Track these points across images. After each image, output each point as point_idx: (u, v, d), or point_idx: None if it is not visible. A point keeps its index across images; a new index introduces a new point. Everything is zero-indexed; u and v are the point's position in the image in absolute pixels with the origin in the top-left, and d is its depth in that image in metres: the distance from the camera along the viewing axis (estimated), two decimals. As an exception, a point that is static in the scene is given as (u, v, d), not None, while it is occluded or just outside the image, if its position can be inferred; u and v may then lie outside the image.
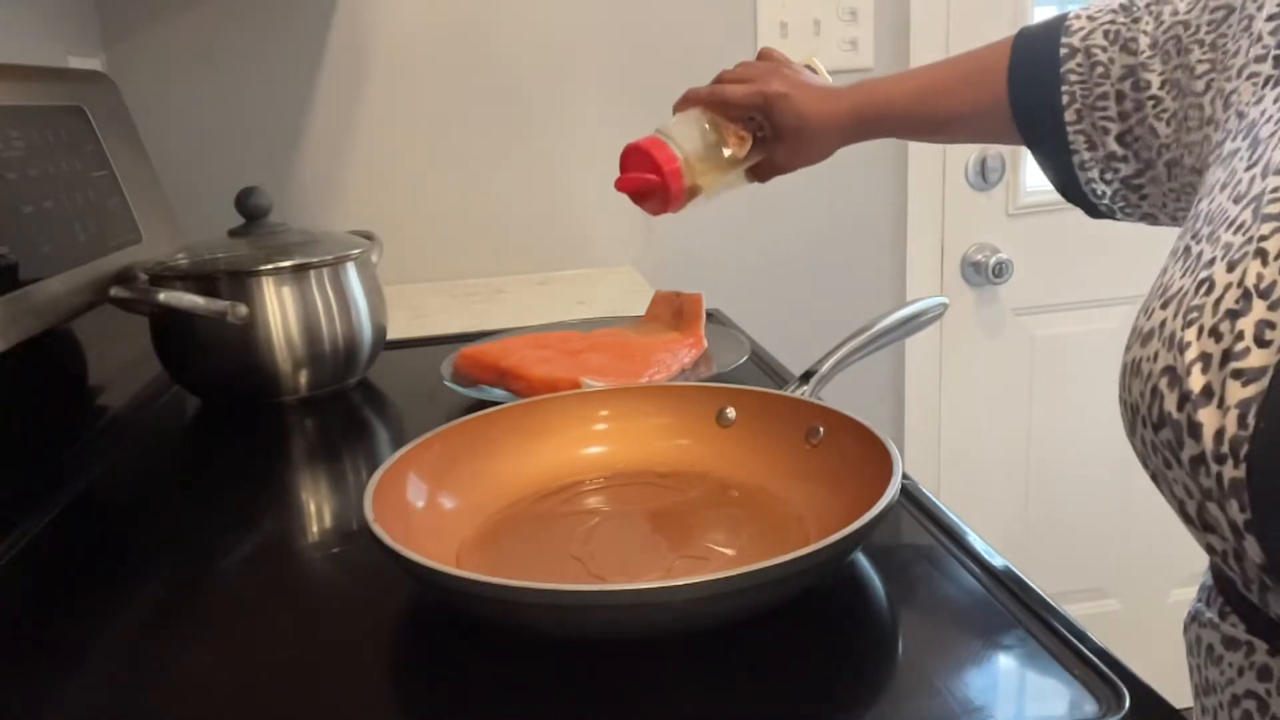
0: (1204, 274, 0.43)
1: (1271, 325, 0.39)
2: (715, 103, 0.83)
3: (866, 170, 1.53)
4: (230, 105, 1.37)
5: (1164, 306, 0.45)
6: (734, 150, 0.83)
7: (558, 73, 1.44)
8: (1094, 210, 0.71)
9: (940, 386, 1.64)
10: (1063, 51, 0.67)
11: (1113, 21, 0.65)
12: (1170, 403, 0.42)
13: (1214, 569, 0.51)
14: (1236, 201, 0.45)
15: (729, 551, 0.56)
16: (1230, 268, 0.42)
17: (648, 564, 0.55)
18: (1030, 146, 0.71)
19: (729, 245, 1.52)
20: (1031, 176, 1.59)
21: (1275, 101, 0.48)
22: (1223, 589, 0.49)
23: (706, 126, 0.84)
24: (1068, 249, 1.58)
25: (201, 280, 0.85)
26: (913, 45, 1.49)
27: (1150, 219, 0.68)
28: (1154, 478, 0.46)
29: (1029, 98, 0.69)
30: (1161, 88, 0.61)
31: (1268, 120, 0.47)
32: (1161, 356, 0.43)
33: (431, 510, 0.58)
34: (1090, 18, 0.67)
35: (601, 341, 0.88)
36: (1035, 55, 0.69)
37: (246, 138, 1.38)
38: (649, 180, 0.82)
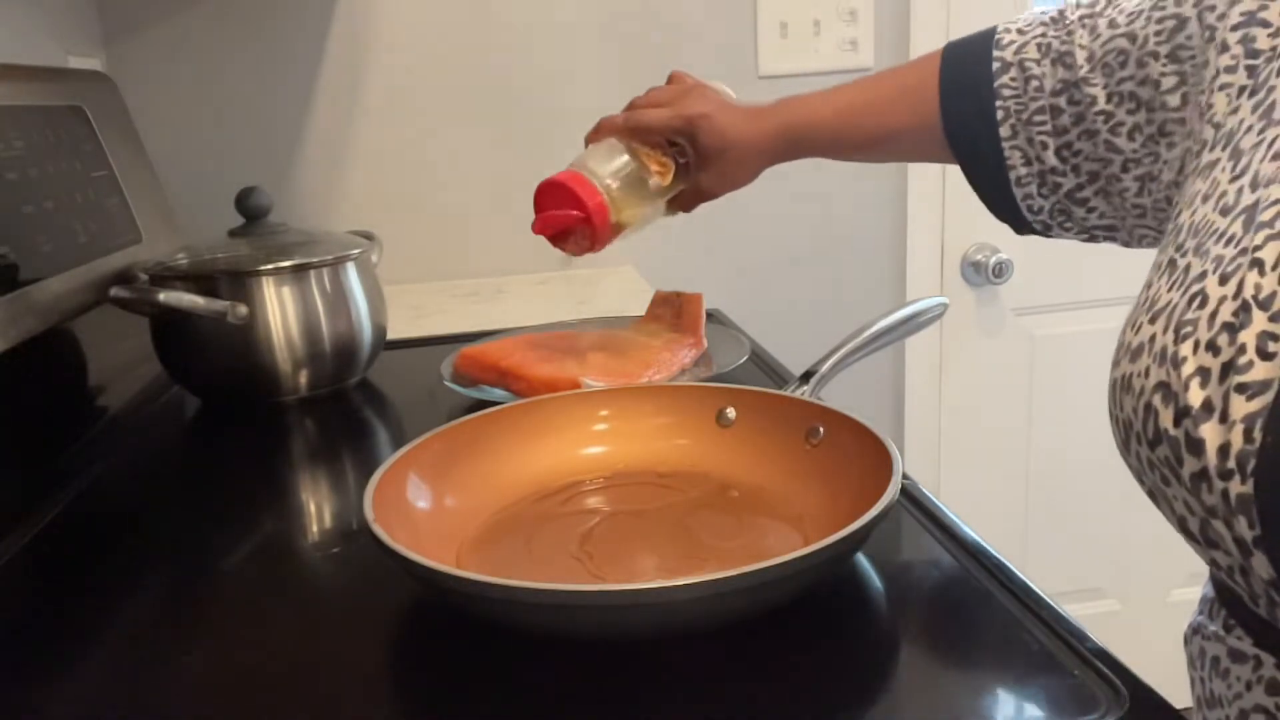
0: (1195, 288, 0.43)
1: (1274, 337, 0.39)
2: (634, 130, 0.79)
3: (866, 170, 1.53)
4: (230, 105, 1.37)
5: (1152, 321, 0.44)
6: (657, 179, 0.78)
7: (557, 73, 1.43)
8: (1023, 226, 0.69)
9: (940, 386, 1.64)
10: (995, 66, 0.65)
11: (1044, 35, 0.64)
12: (1166, 419, 0.41)
13: (1217, 582, 0.50)
14: (1224, 214, 0.44)
15: (729, 552, 0.56)
16: (1223, 280, 0.41)
17: (648, 564, 0.55)
18: (963, 162, 0.69)
19: (729, 245, 1.52)
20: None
21: (1254, 110, 0.47)
22: (1226, 602, 0.49)
23: (625, 157, 0.78)
24: (1068, 249, 1.56)
25: (201, 280, 0.85)
26: (913, 45, 1.49)
27: (1094, 234, 0.67)
28: (1151, 494, 0.45)
29: (962, 113, 0.67)
30: (1109, 101, 0.59)
31: (1247, 130, 0.47)
32: (1154, 372, 0.43)
33: (431, 510, 0.58)
34: (1020, 31, 0.65)
35: (601, 341, 0.88)
36: (966, 70, 0.67)
37: (246, 138, 1.38)
38: (572, 218, 0.76)
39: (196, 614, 0.56)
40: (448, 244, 1.47)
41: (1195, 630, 0.52)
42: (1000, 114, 0.65)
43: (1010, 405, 1.66)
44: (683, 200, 0.83)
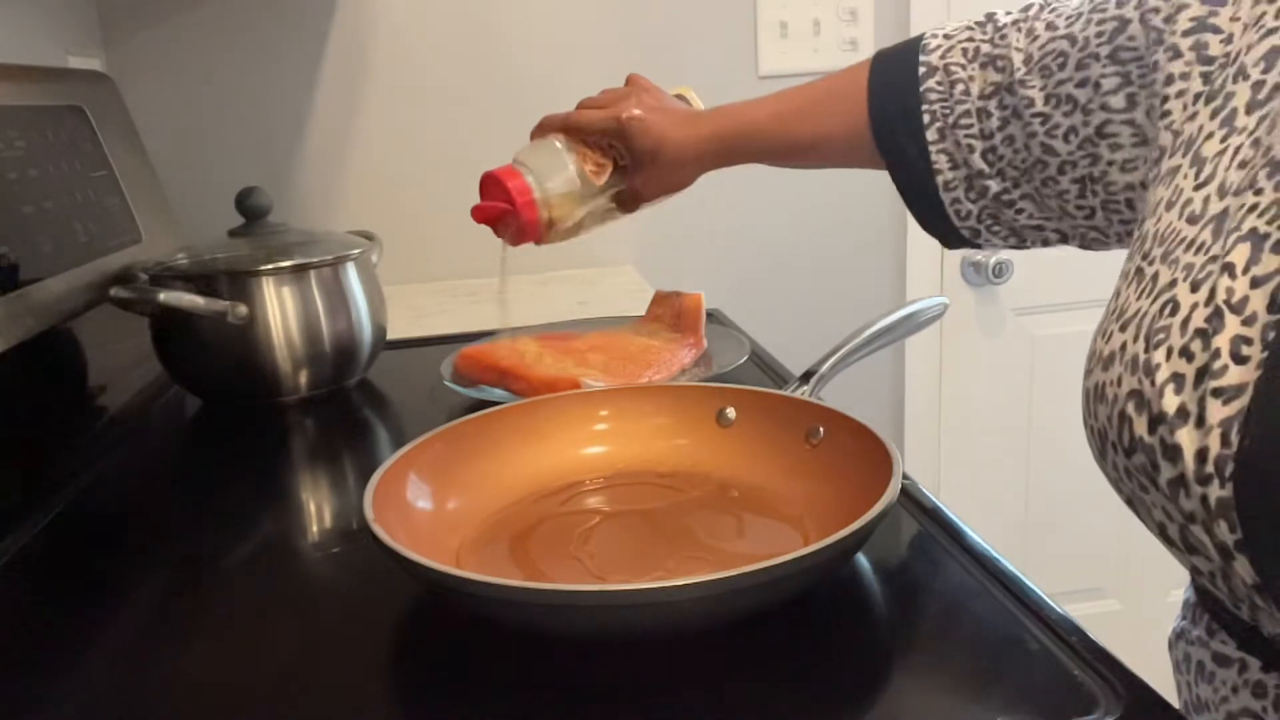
0: (1166, 295, 0.43)
1: (1248, 340, 0.39)
2: (570, 128, 0.81)
3: (866, 170, 1.53)
4: (230, 105, 1.37)
5: (1123, 329, 0.44)
6: (591, 178, 0.80)
7: (558, 72, 1.44)
8: (953, 235, 0.69)
9: (940, 386, 1.64)
10: (921, 70, 0.65)
11: (971, 39, 0.64)
12: (1140, 427, 0.42)
13: (1198, 587, 0.50)
14: (1191, 222, 0.44)
15: (729, 551, 0.56)
16: (1194, 288, 0.41)
17: (648, 564, 0.55)
18: (891, 168, 0.69)
19: (729, 245, 1.52)
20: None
21: (1213, 117, 0.47)
22: (1209, 606, 0.49)
23: (563, 153, 0.80)
24: (1068, 249, 1.58)
25: (201, 280, 0.85)
26: (913, 45, 1.49)
27: (1024, 236, 0.66)
28: (1130, 503, 0.46)
29: (889, 117, 0.67)
30: (1047, 104, 0.59)
31: (1208, 137, 0.46)
32: (1126, 380, 0.43)
33: (431, 510, 0.58)
34: (947, 36, 0.66)
35: (601, 341, 0.88)
36: (893, 75, 0.67)
37: (246, 138, 1.38)
38: (502, 209, 0.79)
39: (196, 614, 0.56)
40: (448, 244, 1.47)
41: (1179, 635, 0.52)
42: (926, 118, 0.65)
43: (1010, 405, 1.66)
44: (622, 200, 0.83)
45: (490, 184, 0.81)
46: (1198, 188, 0.45)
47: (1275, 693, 0.44)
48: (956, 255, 1.59)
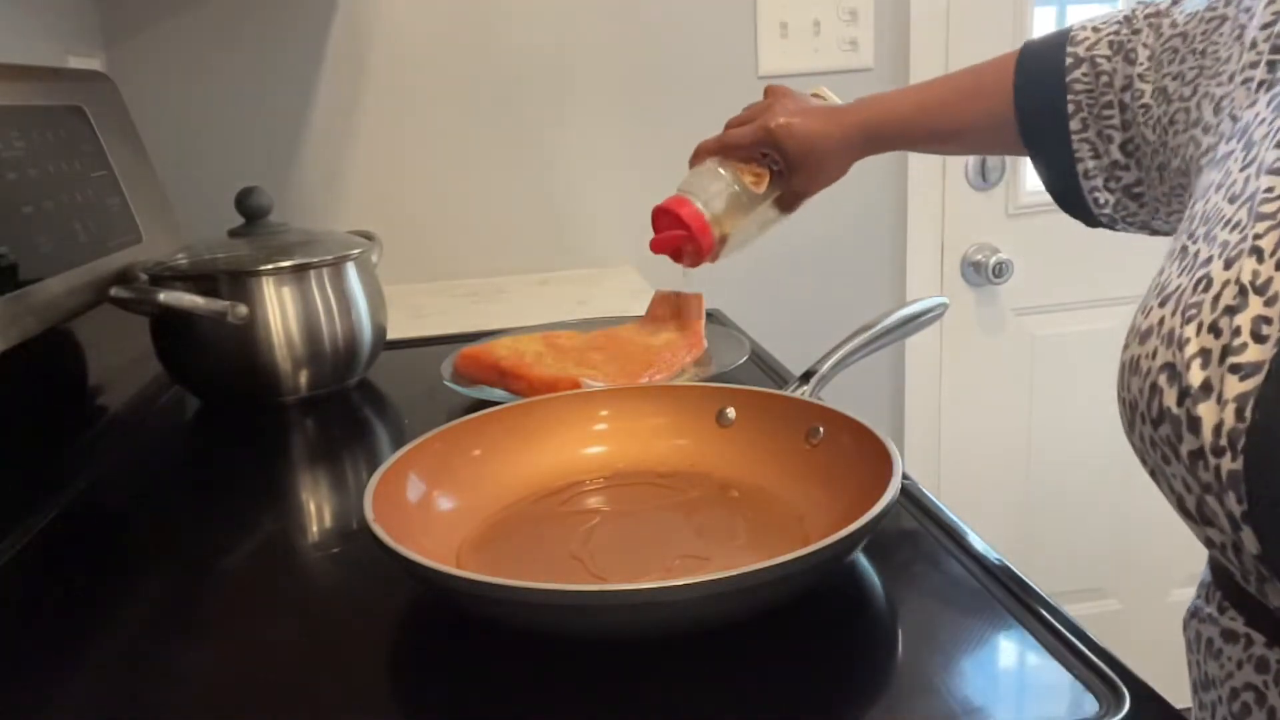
0: (1201, 272, 0.44)
1: (1268, 320, 0.40)
2: (724, 149, 0.86)
3: (866, 170, 1.52)
4: (230, 105, 1.37)
5: (1161, 305, 0.46)
6: (753, 189, 0.85)
7: (558, 72, 1.44)
8: (1092, 219, 0.72)
9: (940, 386, 1.64)
10: (1068, 61, 0.68)
11: (1117, 33, 0.67)
12: (1169, 398, 0.43)
13: (1212, 563, 0.51)
14: (1232, 201, 0.46)
15: (729, 552, 0.56)
16: (1227, 265, 0.43)
17: (648, 564, 0.55)
18: (1033, 156, 0.72)
19: (729, 245, 1.52)
20: (1032, 177, 1.58)
21: (1269, 104, 0.49)
22: (1221, 583, 0.50)
23: (723, 173, 0.85)
24: (1068, 249, 1.58)
25: (201, 280, 0.85)
26: (913, 45, 1.49)
27: (1147, 228, 0.69)
28: (1153, 474, 0.47)
29: (1034, 106, 0.70)
30: (1151, 96, 0.62)
31: (1261, 122, 0.48)
32: (1160, 353, 0.44)
33: (432, 510, 0.58)
34: (1095, 29, 0.68)
35: (601, 341, 0.88)
36: (1041, 65, 0.70)
37: (246, 138, 1.38)
38: (680, 236, 0.85)
39: (196, 614, 0.56)
40: (448, 244, 1.47)
41: (1192, 614, 0.53)
42: (1071, 108, 0.67)
43: (1010, 405, 1.66)
44: (784, 202, 0.88)
45: (661, 216, 0.86)
46: (1243, 169, 0.47)
47: (1277, 668, 0.45)
48: (957, 255, 1.59)
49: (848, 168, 0.84)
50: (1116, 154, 0.66)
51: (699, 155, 0.87)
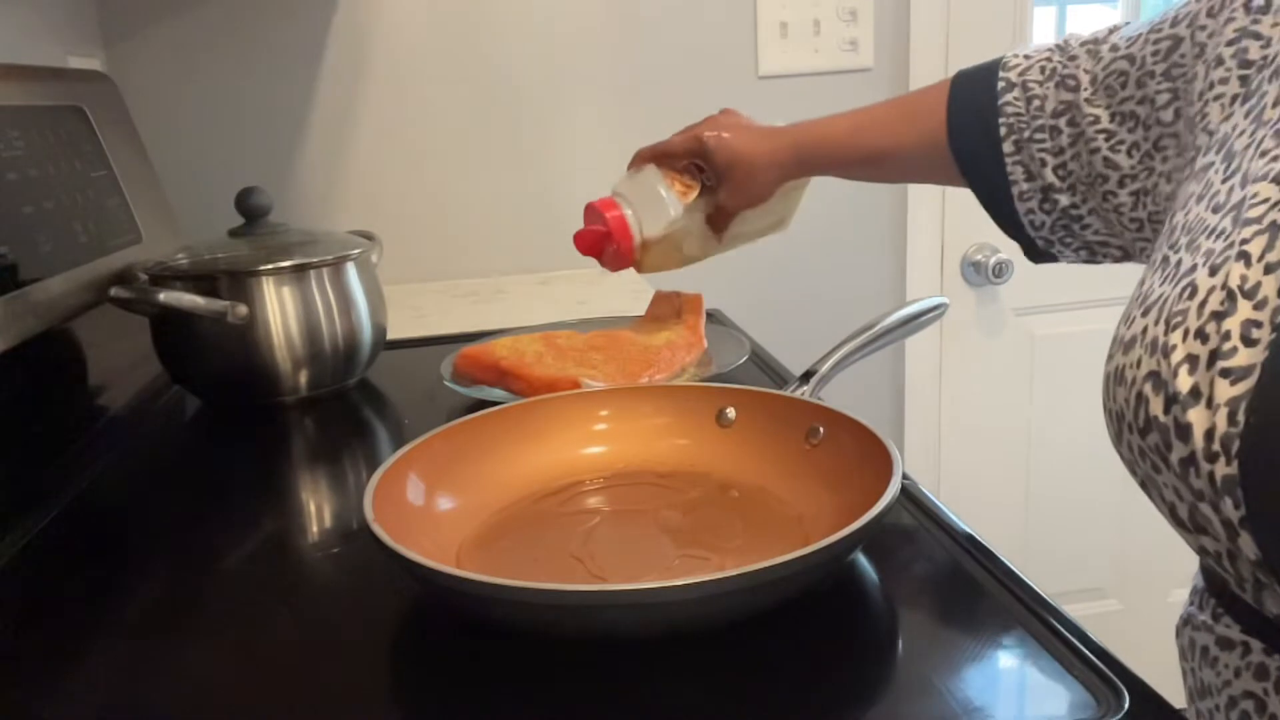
0: (1186, 280, 0.44)
1: (1257, 324, 0.40)
2: (658, 155, 0.86)
3: (866, 170, 1.53)
4: (230, 105, 1.37)
5: (1144, 314, 0.46)
6: (679, 199, 0.85)
7: (557, 72, 1.44)
8: (1033, 250, 0.73)
9: (940, 386, 1.64)
10: (1000, 85, 0.69)
11: (1048, 60, 0.68)
12: (1156, 406, 0.43)
13: (1205, 571, 0.51)
14: (1215, 211, 0.46)
15: (729, 551, 0.56)
16: (1212, 272, 0.43)
17: (648, 564, 0.55)
18: (968, 180, 0.72)
19: (729, 245, 1.52)
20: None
21: (1247, 116, 0.49)
22: (1215, 591, 0.50)
23: (655, 177, 0.85)
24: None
25: (201, 280, 0.85)
26: (913, 45, 1.49)
27: (1089, 251, 0.70)
28: (1143, 484, 0.46)
29: (966, 129, 0.71)
30: (1113, 121, 0.62)
31: (1240, 134, 0.49)
32: (1145, 362, 0.44)
33: (431, 510, 0.58)
34: (1026, 56, 0.69)
35: (601, 341, 0.88)
36: (973, 90, 0.71)
37: (246, 138, 1.38)
38: (600, 233, 0.86)
39: (196, 614, 0.56)
40: (448, 244, 1.47)
41: (1185, 621, 0.53)
42: (1003, 130, 0.68)
43: (1010, 405, 1.66)
44: (715, 222, 0.88)
45: (590, 213, 0.88)
46: (1225, 180, 0.47)
47: (1277, 674, 0.45)
48: (957, 255, 1.59)
49: (774, 186, 0.84)
50: (1050, 177, 0.67)
51: (637, 160, 0.88)
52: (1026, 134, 0.67)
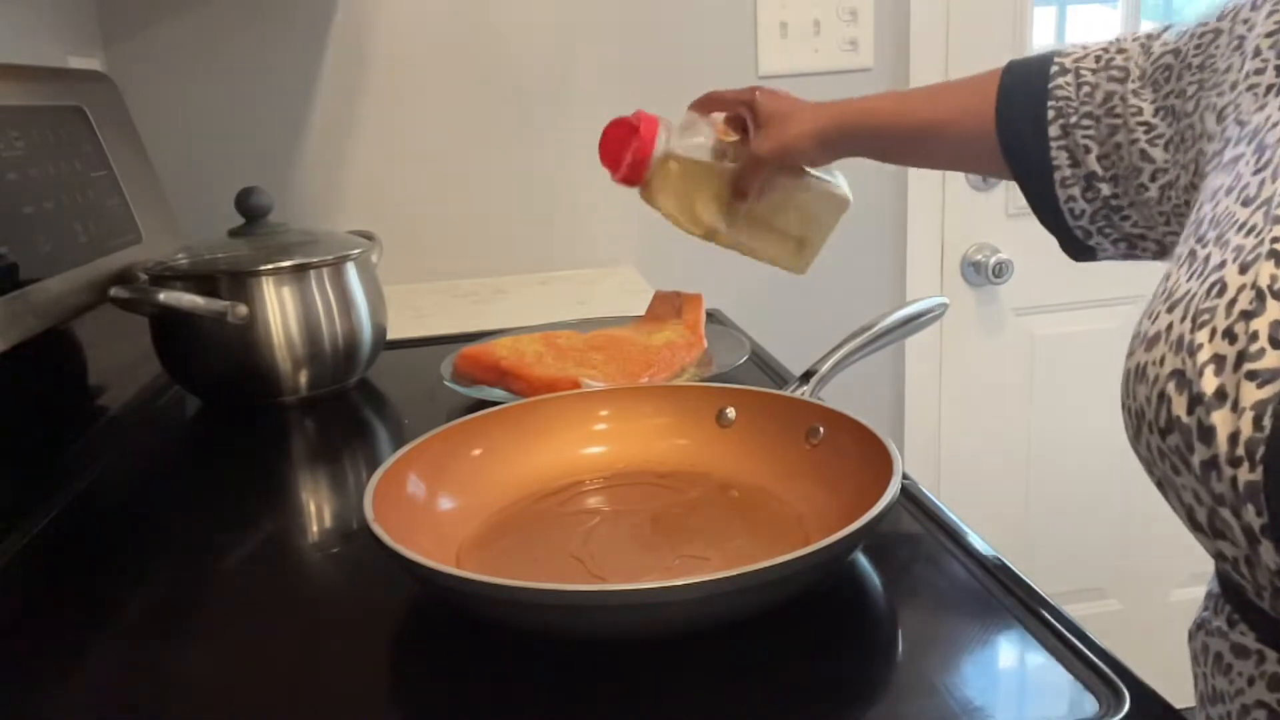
0: (1214, 276, 0.43)
1: None
2: (708, 98, 0.88)
3: (866, 170, 1.52)
4: (230, 105, 1.37)
5: (1170, 310, 0.44)
6: (716, 133, 0.87)
7: (558, 72, 1.43)
8: (1072, 243, 0.72)
9: (940, 386, 1.64)
10: (1053, 69, 0.69)
11: (1104, 51, 0.68)
12: (1179, 406, 0.41)
13: (1221, 576, 0.50)
14: (1245, 204, 0.45)
15: (729, 552, 0.56)
16: (1243, 270, 0.42)
17: (648, 564, 0.55)
18: (1010, 162, 0.71)
19: (729, 245, 1.52)
20: (1031, 176, 1.59)
21: None
22: (1230, 597, 0.49)
23: (698, 116, 0.88)
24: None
25: (201, 280, 0.85)
26: (913, 45, 1.49)
27: (1128, 244, 0.69)
28: (1160, 485, 0.45)
29: (1015, 111, 0.70)
30: (1156, 115, 0.62)
31: (1273, 126, 0.48)
32: (1169, 360, 0.43)
33: (431, 510, 0.58)
34: (1083, 47, 0.70)
35: (601, 341, 0.88)
36: (1026, 73, 0.71)
37: (246, 138, 1.38)
38: (624, 129, 0.86)
39: (196, 614, 0.56)
40: (448, 244, 1.47)
41: (1199, 626, 0.52)
42: (1051, 114, 0.68)
43: (1010, 405, 1.66)
44: (738, 189, 0.88)
45: (616, 125, 0.88)
46: (1256, 172, 0.46)
47: None
48: (957, 255, 1.59)
49: (811, 151, 0.83)
50: (1094, 165, 0.66)
51: (690, 108, 0.91)
52: (1074, 119, 0.67)
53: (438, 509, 0.59)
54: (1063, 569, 1.72)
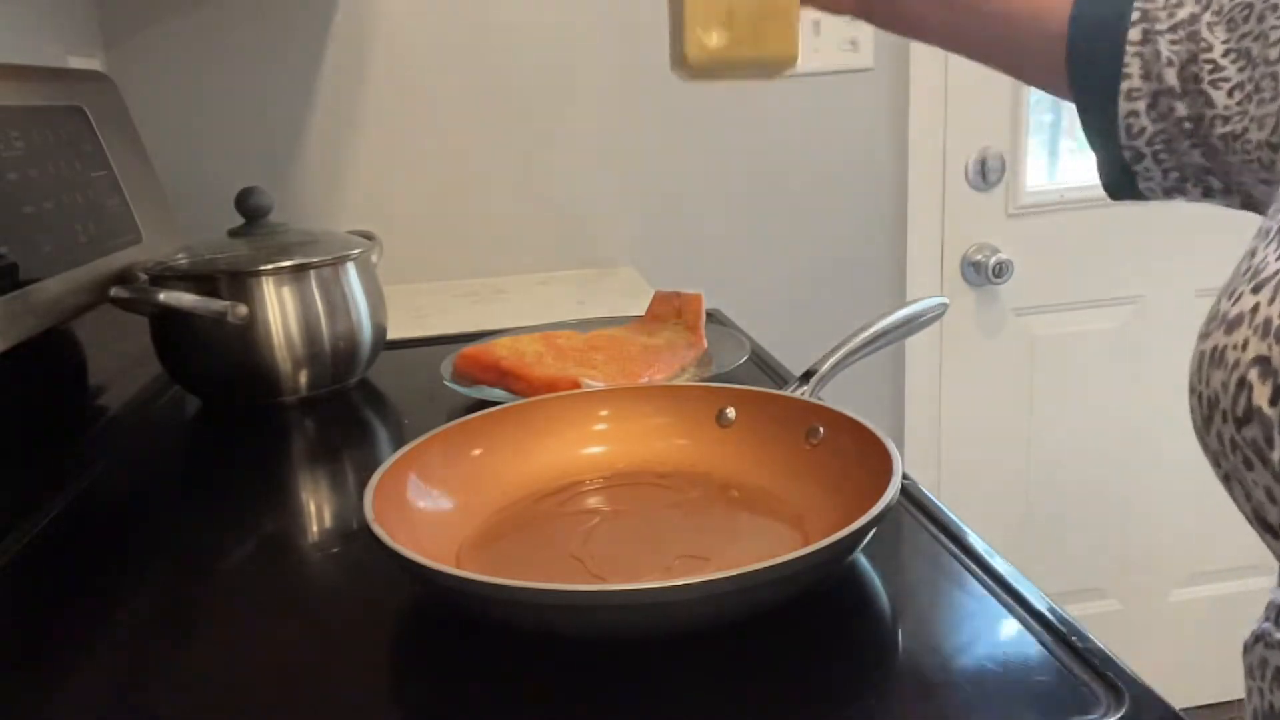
0: None
1: None
2: None
3: (866, 170, 1.53)
4: (230, 105, 1.37)
5: (1256, 291, 0.40)
6: None
7: (558, 72, 1.43)
8: (1116, 171, 0.63)
9: (940, 386, 1.64)
10: None
11: None
12: (1261, 396, 0.38)
13: None
14: None
15: (729, 552, 0.56)
16: None
17: (648, 564, 0.55)
18: (1072, 61, 0.62)
19: (729, 245, 1.52)
20: (1031, 177, 1.59)
21: None
22: None
23: None
24: (1068, 249, 1.58)
25: (201, 280, 0.85)
26: (913, 45, 1.49)
27: (1180, 176, 0.61)
28: (1226, 479, 0.42)
29: (1096, 3, 0.61)
30: (1225, 56, 0.55)
31: None
32: (1253, 345, 0.39)
33: (431, 510, 0.58)
34: None
35: (601, 341, 0.88)
36: None
37: (246, 138, 1.38)
38: None
39: (196, 614, 0.56)
40: (448, 244, 1.47)
41: (1258, 638, 0.48)
42: (1136, 14, 0.59)
43: (1010, 405, 1.66)
44: None
45: None
46: None
47: None
48: (957, 255, 1.59)
49: None
50: (1172, 79, 0.57)
51: None
52: (1160, 26, 0.58)
53: (438, 509, 0.59)
54: (1063, 569, 1.72)
